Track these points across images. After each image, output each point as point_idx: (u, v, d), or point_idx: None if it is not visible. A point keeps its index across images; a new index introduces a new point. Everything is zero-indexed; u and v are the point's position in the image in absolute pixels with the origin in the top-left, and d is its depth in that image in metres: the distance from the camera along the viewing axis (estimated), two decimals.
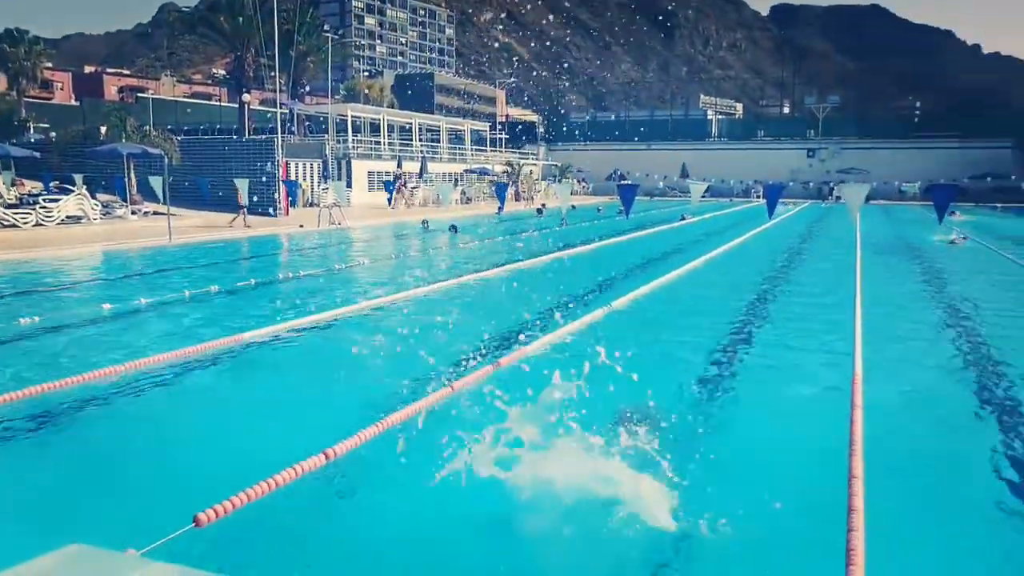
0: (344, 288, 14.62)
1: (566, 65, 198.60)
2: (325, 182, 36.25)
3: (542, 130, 75.39)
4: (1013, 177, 56.24)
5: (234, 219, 26.67)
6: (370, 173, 42.42)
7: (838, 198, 57.04)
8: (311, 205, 35.45)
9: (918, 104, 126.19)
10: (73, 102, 71.50)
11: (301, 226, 27.29)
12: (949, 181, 57.12)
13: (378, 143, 46.75)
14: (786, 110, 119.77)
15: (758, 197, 59.67)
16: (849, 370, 8.32)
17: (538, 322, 11.17)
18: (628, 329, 11.24)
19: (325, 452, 5.54)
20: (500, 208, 36.15)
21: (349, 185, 38.76)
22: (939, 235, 25.03)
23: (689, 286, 15.73)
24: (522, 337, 10.06)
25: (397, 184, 39.64)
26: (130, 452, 6.28)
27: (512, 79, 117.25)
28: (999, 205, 46.54)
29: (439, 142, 53.96)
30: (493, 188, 48.67)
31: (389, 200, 33.67)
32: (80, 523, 4.89)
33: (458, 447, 6.25)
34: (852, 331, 10.41)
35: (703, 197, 60.42)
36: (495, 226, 30.87)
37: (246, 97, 44.33)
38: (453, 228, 27.34)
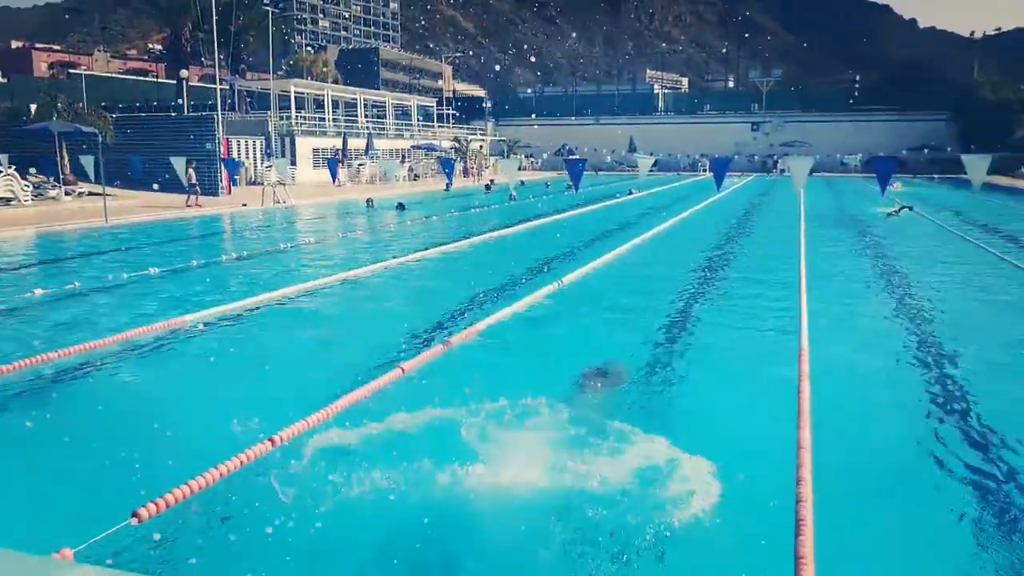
0: (287, 269, 14.29)
1: (512, 39, 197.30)
2: (268, 160, 35.39)
3: (489, 105, 74.87)
4: (949, 149, 57.86)
5: (188, 199, 25.86)
6: (315, 150, 41.60)
7: (782, 171, 57.99)
8: (254, 184, 34.63)
9: (857, 78, 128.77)
10: (0, 79, 68.45)
11: (244, 205, 26.63)
12: (888, 153, 58.49)
13: (322, 119, 45.84)
14: (731, 84, 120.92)
15: (704, 171, 60.33)
16: (795, 341, 8.43)
17: (488, 300, 11.07)
18: (578, 303, 11.21)
19: (271, 439, 5.37)
20: (448, 184, 35.83)
21: (293, 163, 37.95)
22: (880, 207, 25.63)
23: (638, 260, 15.82)
24: (472, 315, 9.97)
25: (345, 161, 38.93)
26: (63, 444, 6.01)
27: (458, 53, 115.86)
28: (935, 176, 47.86)
29: (385, 118, 53.16)
30: (440, 164, 48.28)
31: (333, 178, 33.08)
32: (10, 523, 4.65)
33: (411, 426, 6.15)
34: (798, 302, 10.57)
35: (651, 171, 60.91)
36: (443, 203, 30.59)
37: (184, 73, 42.91)
38: (400, 206, 26.98)
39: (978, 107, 58.04)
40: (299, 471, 5.35)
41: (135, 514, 4.29)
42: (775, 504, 4.75)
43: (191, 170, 26.37)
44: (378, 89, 70.51)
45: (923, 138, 60.04)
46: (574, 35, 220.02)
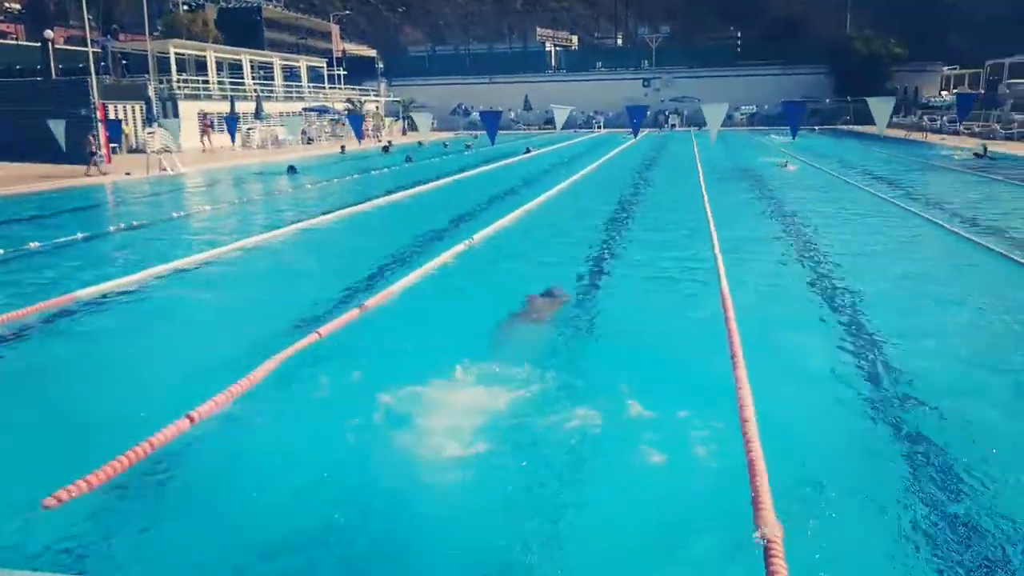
0: (175, 240, 13.41)
1: None
2: (151, 125, 33.32)
3: (381, 66, 72.93)
4: (828, 100, 60.58)
5: (88, 169, 24.04)
6: (201, 114, 39.45)
7: (673, 126, 59.32)
8: (136, 152, 32.60)
9: (739, 34, 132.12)
10: None
11: (128, 174, 25.03)
12: (773, 106, 60.73)
13: (206, 82, 43.46)
14: (619, 43, 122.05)
15: (599, 127, 60.99)
16: (715, 287, 8.60)
17: (397, 262, 10.78)
18: (490, 262, 11.08)
19: (189, 415, 5.03)
20: (344, 148, 34.82)
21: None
22: (771, 158, 26.52)
23: (545, 215, 15.75)
24: (383, 278, 9.68)
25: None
26: None
27: (346, 11, 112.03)
28: (816, 128, 49.94)
29: (273, 80, 50.91)
30: (334, 126, 46.77)
31: (232, 139, 31.62)
32: None
33: (333, 391, 5.90)
34: (711, 248, 10.78)
35: (543, 128, 60.85)
36: (340, 166, 29.69)
37: (49, 34, 39.59)
38: (291, 169, 26.06)
39: (852, 61, 60.75)
40: (218, 446, 5.04)
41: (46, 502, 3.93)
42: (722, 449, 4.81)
43: (91, 137, 24.72)
44: (263, 50, 67.30)
45: (805, 91, 62.41)
46: None
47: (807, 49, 67.04)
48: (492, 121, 15.26)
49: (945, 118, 43.91)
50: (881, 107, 16.02)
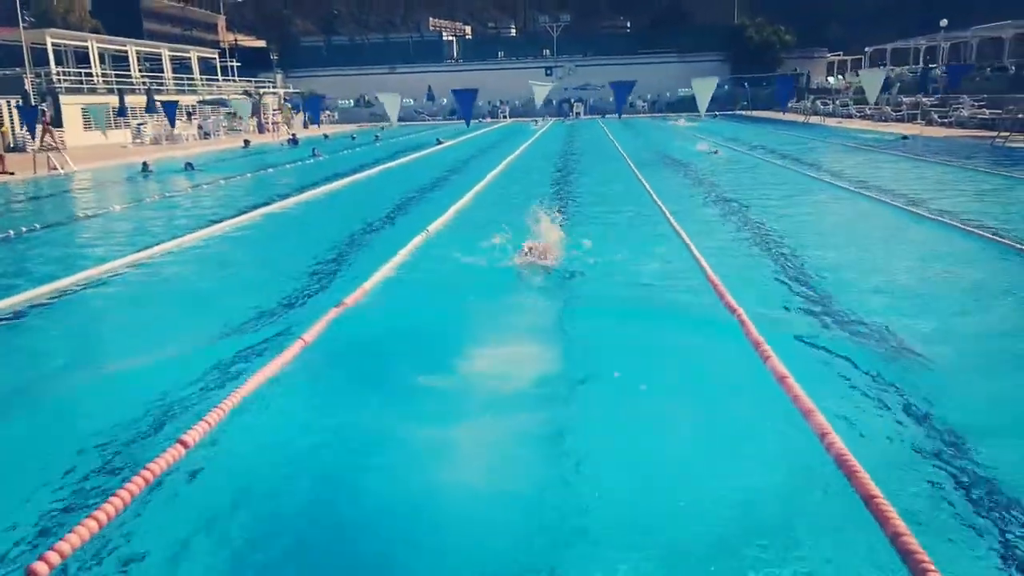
0: (49, 256, 11.81)
1: None
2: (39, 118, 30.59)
3: (276, 57, 70.29)
4: (726, 87, 62.33)
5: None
6: (85, 109, 36.78)
7: (578, 114, 59.70)
8: (14, 151, 30.03)
9: (628, 24, 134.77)
10: None
11: (11, 174, 23.00)
12: (674, 93, 62.12)
13: (90, 75, 40.60)
14: (513, 32, 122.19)
15: (505, 117, 60.76)
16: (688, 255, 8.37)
17: (317, 272, 10.07)
18: (447, 250, 10.50)
19: (181, 441, 4.32)
20: (248, 142, 33.19)
21: (60, 124, 33.24)
22: (698, 145, 26.63)
23: (479, 209, 15.19)
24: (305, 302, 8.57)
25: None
26: None
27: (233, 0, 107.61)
28: (716, 113, 51.18)
29: (163, 72, 48.08)
30: (231, 120, 44.51)
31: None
32: None
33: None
34: (669, 227, 10.58)
35: (449, 118, 60.17)
36: (243, 161, 28.07)
37: None
38: (189, 166, 24.60)
39: (747, 48, 62.76)
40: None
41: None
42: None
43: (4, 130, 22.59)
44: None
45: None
46: None
47: (703, 36, 68.86)
48: (468, 99, 14.06)
49: (838, 102, 45.91)
50: (873, 80, 15.42)
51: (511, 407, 5.15)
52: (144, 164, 24.06)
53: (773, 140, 29.84)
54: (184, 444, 4.18)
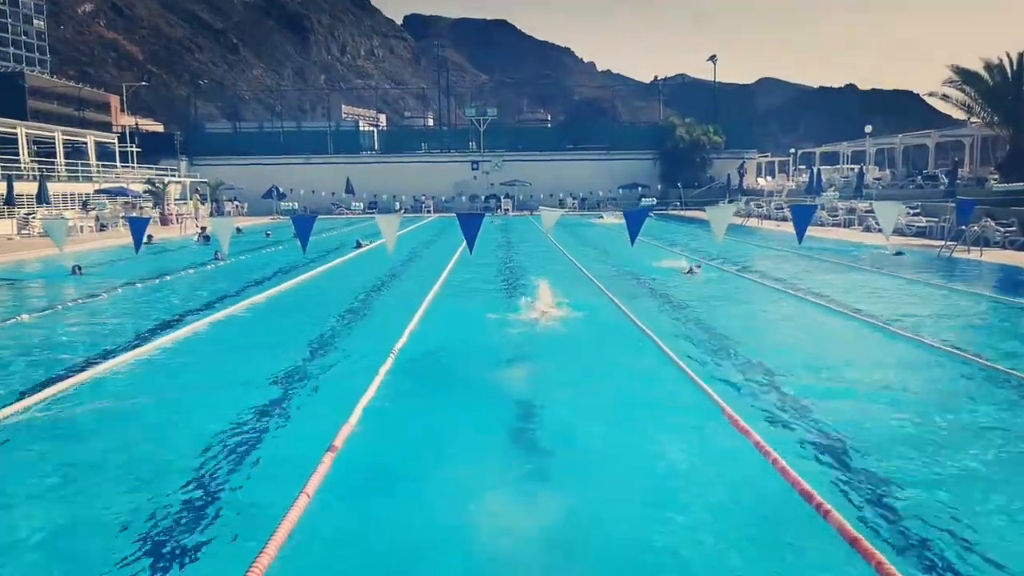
0: None
1: (189, 69, 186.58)
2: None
3: (180, 142, 69.18)
4: (659, 187, 64.89)
5: None
6: None
7: (506, 211, 60.57)
8: None
9: (548, 117, 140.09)
10: None
11: None
12: (599, 192, 64.10)
13: None
14: (430, 123, 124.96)
15: (429, 212, 61.02)
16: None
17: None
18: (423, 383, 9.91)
19: None
20: (144, 241, 31.80)
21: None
22: (669, 262, 24.53)
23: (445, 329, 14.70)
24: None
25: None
26: None
27: (128, 83, 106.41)
28: (652, 213, 52.70)
29: (55, 157, 46.44)
30: (128, 211, 42.92)
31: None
32: None
33: None
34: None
35: (364, 212, 60.02)
36: (141, 263, 24.47)
37: None
38: (77, 269, 22.22)
39: (676, 147, 65.66)
40: None
41: None
42: None
43: None
44: (26, 121, 61.69)
45: (633, 176, 66.46)
46: (261, 66, 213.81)
47: (632, 135, 71.91)
48: (306, 224, 13.23)
49: (773, 204, 48.04)
50: (720, 216, 15.22)
51: None
52: (76, 268, 22.22)
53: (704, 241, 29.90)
54: None
